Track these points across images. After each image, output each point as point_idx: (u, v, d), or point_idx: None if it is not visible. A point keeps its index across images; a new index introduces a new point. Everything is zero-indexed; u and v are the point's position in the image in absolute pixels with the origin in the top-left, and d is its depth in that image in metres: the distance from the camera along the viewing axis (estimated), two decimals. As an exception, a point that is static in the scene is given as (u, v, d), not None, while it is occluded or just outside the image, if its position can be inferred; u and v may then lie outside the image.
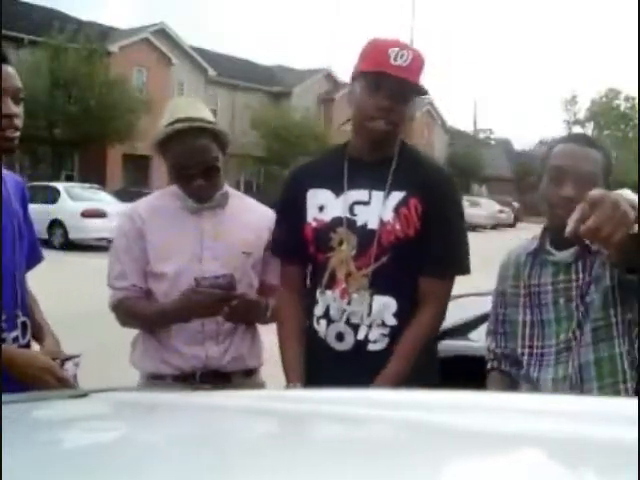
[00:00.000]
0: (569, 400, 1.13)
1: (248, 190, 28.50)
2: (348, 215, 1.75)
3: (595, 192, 1.24)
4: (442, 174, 1.83)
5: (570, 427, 0.77)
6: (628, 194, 1.30)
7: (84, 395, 1.09)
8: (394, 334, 1.72)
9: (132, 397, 1.16)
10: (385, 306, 1.72)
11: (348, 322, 1.74)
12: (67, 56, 22.34)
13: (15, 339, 1.70)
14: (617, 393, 1.59)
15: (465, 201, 31.21)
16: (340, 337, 1.75)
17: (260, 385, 2.05)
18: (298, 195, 1.83)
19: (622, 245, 1.21)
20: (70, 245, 15.06)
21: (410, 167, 1.77)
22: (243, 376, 1.98)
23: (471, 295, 2.90)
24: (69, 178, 24.72)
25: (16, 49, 23.98)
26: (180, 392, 1.40)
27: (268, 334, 2.10)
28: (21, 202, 1.89)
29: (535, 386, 1.69)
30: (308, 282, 1.89)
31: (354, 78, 1.75)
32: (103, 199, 16.34)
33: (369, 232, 1.73)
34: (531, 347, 1.73)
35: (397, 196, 1.74)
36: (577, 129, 47.25)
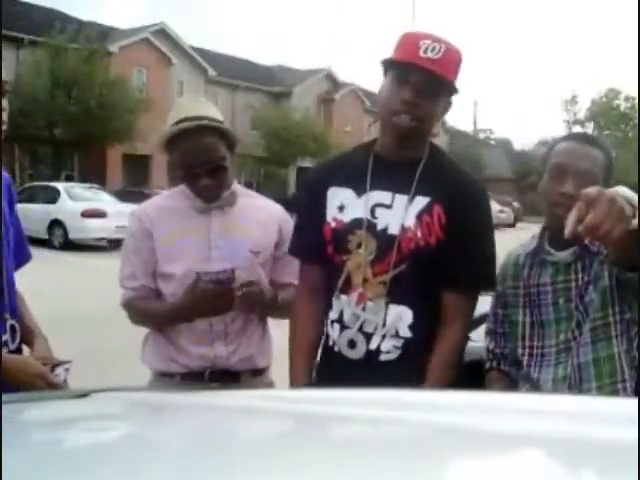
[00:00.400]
0: (569, 400, 1.13)
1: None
2: (369, 217, 1.67)
3: (591, 189, 1.23)
4: (471, 183, 1.72)
5: (570, 427, 0.77)
6: (624, 190, 1.30)
7: (85, 395, 1.09)
8: (407, 346, 1.65)
9: (133, 397, 1.16)
10: (400, 316, 1.64)
11: (361, 330, 1.67)
12: (67, 56, 22.34)
13: (4, 343, 1.67)
14: (616, 392, 1.59)
15: (465, 201, 31.18)
16: (352, 344, 1.69)
17: (269, 385, 2.05)
18: (319, 193, 1.76)
19: (621, 242, 1.21)
20: (70, 245, 15.06)
21: (437, 172, 1.67)
22: (252, 375, 1.98)
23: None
24: (69, 178, 24.70)
25: (16, 49, 24.00)
26: (183, 392, 1.40)
27: (278, 329, 2.10)
28: (8, 199, 1.85)
29: (535, 386, 1.69)
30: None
31: (385, 71, 1.65)
32: (103, 199, 16.34)
33: (389, 237, 1.64)
34: (531, 347, 1.73)
35: (421, 202, 1.64)
36: (577, 129, 47.20)
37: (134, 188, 20.81)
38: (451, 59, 1.60)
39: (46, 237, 15.24)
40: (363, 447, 0.77)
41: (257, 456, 0.72)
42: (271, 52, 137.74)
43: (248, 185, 32.06)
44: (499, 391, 1.73)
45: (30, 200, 15.48)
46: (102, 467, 0.68)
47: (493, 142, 57.51)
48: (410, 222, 1.63)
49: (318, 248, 1.75)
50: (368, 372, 1.64)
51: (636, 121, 45.41)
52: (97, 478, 0.64)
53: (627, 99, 51.70)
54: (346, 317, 1.69)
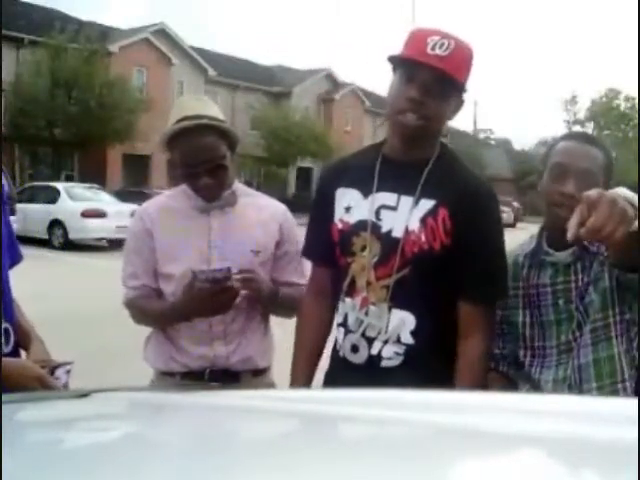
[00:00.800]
0: (569, 400, 1.13)
1: (248, 190, 28.39)
2: (374, 219, 1.64)
3: (591, 192, 1.22)
4: (480, 187, 1.65)
5: (570, 427, 0.77)
6: (625, 192, 1.29)
7: (85, 395, 1.09)
8: (409, 353, 1.62)
9: (134, 397, 1.16)
10: (403, 322, 1.61)
11: (364, 334, 1.65)
12: (67, 56, 22.36)
13: None
14: (616, 392, 1.59)
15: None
16: (355, 349, 1.66)
17: (269, 385, 2.04)
18: (328, 194, 1.74)
19: (623, 243, 1.21)
20: (70, 245, 15.06)
21: (445, 174, 1.62)
22: (252, 376, 1.98)
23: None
24: (69, 178, 24.71)
25: (16, 49, 24.00)
26: (183, 392, 1.40)
27: (280, 328, 2.10)
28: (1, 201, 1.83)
29: (535, 386, 1.69)
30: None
31: (394, 69, 1.61)
32: (103, 199, 16.35)
33: (393, 240, 1.61)
34: (533, 348, 1.72)
35: (426, 204, 1.60)
36: (577, 129, 47.20)
37: (134, 188, 20.81)
38: (461, 56, 1.55)
39: (46, 237, 15.25)
40: (364, 447, 0.77)
41: (257, 456, 0.72)
42: (271, 52, 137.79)
43: (248, 185, 31.83)
44: (499, 391, 1.73)
45: (30, 200, 15.50)
46: (102, 467, 0.68)
47: (493, 142, 57.47)
48: (414, 225, 1.59)
49: (327, 250, 1.73)
50: (370, 378, 1.61)
51: (636, 121, 45.38)
52: (97, 478, 0.64)
53: (627, 99, 51.68)
54: (350, 321, 1.67)
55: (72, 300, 7.96)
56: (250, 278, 1.86)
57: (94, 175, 23.65)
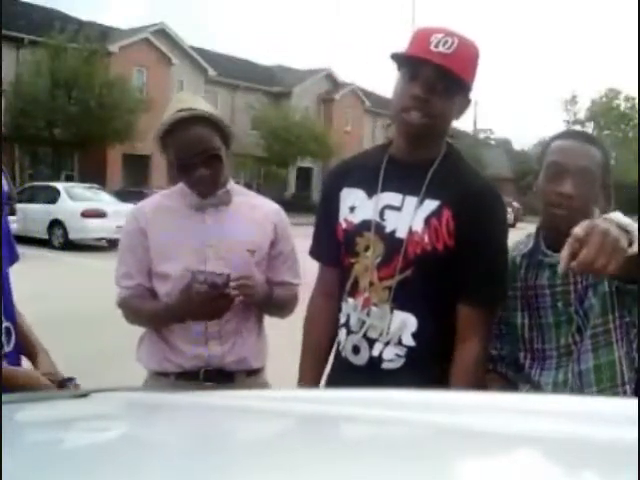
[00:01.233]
0: (569, 400, 1.12)
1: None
2: (377, 219, 1.63)
3: (582, 225, 1.19)
4: (484, 188, 1.62)
5: (570, 427, 0.77)
6: (619, 217, 1.26)
7: (85, 395, 1.09)
8: (411, 355, 1.61)
9: (133, 397, 1.16)
10: (404, 323, 1.59)
11: (365, 335, 1.64)
12: (67, 56, 22.37)
13: None
14: (616, 395, 1.59)
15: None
16: (356, 350, 1.66)
17: (264, 385, 2.05)
18: (334, 194, 1.74)
19: (620, 270, 1.16)
20: (70, 245, 15.06)
21: (450, 175, 1.60)
22: (246, 376, 1.98)
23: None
24: (69, 178, 24.72)
25: (16, 49, 24.01)
26: (182, 392, 1.40)
27: (273, 329, 2.10)
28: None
29: (535, 388, 1.68)
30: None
31: (398, 68, 1.59)
32: (103, 199, 16.34)
33: (396, 241, 1.59)
34: (532, 351, 1.71)
35: (430, 205, 1.58)
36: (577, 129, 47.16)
37: (134, 188, 20.80)
38: (465, 53, 1.54)
39: (46, 237, 15.25)
40: (362, 447, 0.77)
41: (257, 456, 0.72)
42: (271, 52, 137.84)
43: (248, 185, 32.06)
44: (498, 392, 1.72)
45: (30, 200, 15.49)
46: (102, 467, 0.68)
47: (493, 142, 57.47)
48: (418, 226, 1.58)
49: (334, 250, 1.72)
50: (371, 379, 1.60)
51: (636, 121, 45.39)
52: (97, 478, 0.64)
53: (627, 99, 51.70)
54: (352, 321, 1.66)
55: (72, 300, 7.96)
56: (246, 284, 1.86)
57: (94, 175, 23.66)
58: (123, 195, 17.42)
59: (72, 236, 15.21)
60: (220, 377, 1.91)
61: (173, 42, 29.97)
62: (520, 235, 1.83)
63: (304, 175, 35.96)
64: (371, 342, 1.63)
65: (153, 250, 1.93)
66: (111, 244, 14.58)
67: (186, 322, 1.88)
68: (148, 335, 2.02)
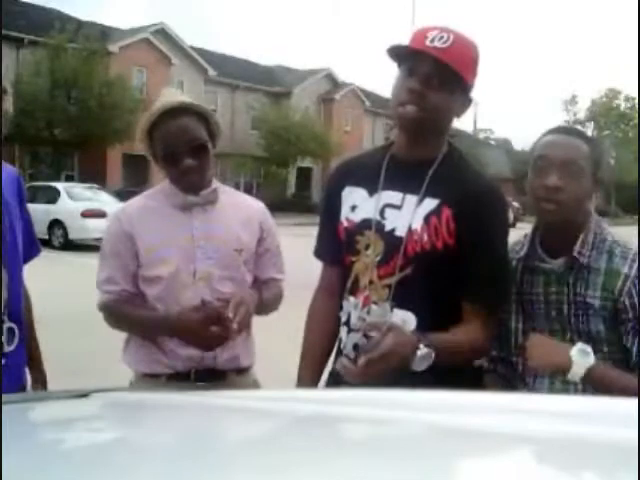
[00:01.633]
0: (569, 400, 1.12)
1: (248, 190, 28.48)
2: (378, 218, 1.63)
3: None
4: (485, 187, 1.62)
5: (570, 427, 0.77)
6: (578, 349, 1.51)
7: (85, 395, 1.09)
8: None
9: (133, 397, 1.16)
10: (404, 322, 1.58)
11: (366, 334, 1.61)
12: (67, 56, 22.37)
13: None
14: None
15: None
16: (357, 348, 1.65)
17: (254, 382, 2.08)
18: (336, 193, 1.75)
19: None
20: (70, 245, 15.06)
21: (450, 174, 1.60)
22: (237, 374, 1.99)
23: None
24: (69, 178, 24.73)
25: (16, 49, 24.01)
26: (182, 393, 1.40)
27: (260, 334, 2.11)
28: (17, 195, 1.82)
29: (531, 391, 1.68)
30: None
31: (398, 65, 1.61)
32: (103, 199, 16.34)
33: (396, 239, 1.59)
34: (525, 355, 1.68)
35: (430, 203, 1.58)
36: (577, 129, 47.10)
37: (134, 188, 20.77)
38: (462, 49, 1.54)
39: (46, 237, 15.23)
40: (361, 447, 0.77)
41: (257, 457, 0.72)
42: (271, 52, 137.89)
43: (248, 185, 32.16)
44: (499, 391, 1.72)
45: (30, 200, 15.17)
46: (102, 467, 0.68)
47: (493, 142, 57.46)
48: (417, 224, 1.58)
49: (336, 250, 1.73)
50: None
51: (636, 121, 45.38)
52: (96, 478, 0.64)
53: (627, 99, 51.73)
54: (353, 320, 1.67)
55: (72, 300, 7.96)
56: (240, 303, 1.84)
57: (94, 175, 23.66)
58: (123, 195, 17.39)
59: (72, 236, 15.21)
60: (211, 377, 1.91)
61: (173, 42, 29.97)
62: (520, 235, 1.82)
63: (304, 175, 35.95)
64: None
65: (142, 255, 1.91)
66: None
67: (171, 337, 1.88)
68: (134, 338, 2.00)
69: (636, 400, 0.83)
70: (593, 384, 1.50)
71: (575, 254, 1.61)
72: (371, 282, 1.63)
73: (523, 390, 1.70)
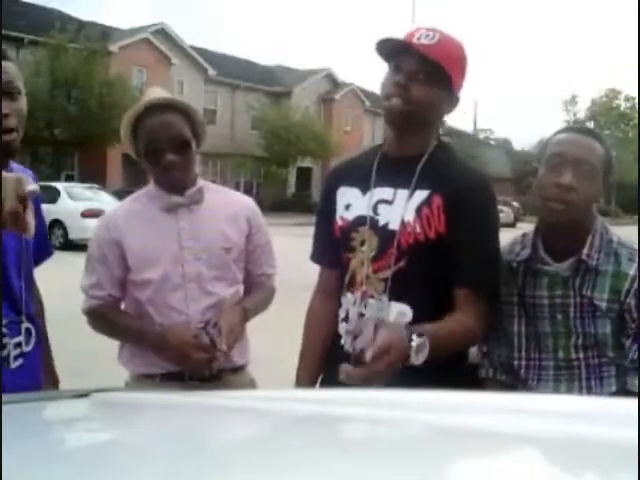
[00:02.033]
0: (569, 400, 1.12)
1: (248, 190, 28.49)
2: (372, 214, 1.67)
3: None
4: (474, 176, 1.66)
5: (570, 427, 0.77)
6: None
7: (85, 395, 1.09)
8: None
9: (132, 397, 1.16)
10: (401, 314, 1.61)
11: (355, 335, 1.62)
12: (67, 56, 22.36)
13: (18, 345, 1.66)
14: None
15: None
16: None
17: (251, 381, 2.08)
18: (330, 194, 1.79)
19: None
20: (70, 245, 15.04)
21: (440, 166, 1.64)
22: (232, 373, 1.99)
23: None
24: (69, 178, 24.70)
25: (16, 49, 23.98)
26: (181, 393, 1.40)
27: (259, 334, 2.11)
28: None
29: None
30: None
31: (387, 63, 1.66)
32: (103, 199, 16.33)
33: (390, 233, 1.63)
34: (528, 359, 1.69)
35: (420, 195, 1.62)
36: (577, 129, 47.01)
37: (134, 188, 20.71)
38: (448, 47, 1.59)
39: (46, 237, 15.23)
40: (360, 448, 0.77)
41: (256, 457, 0.72)
42: (271, 52, 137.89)
43: (248, 185, 32.15)
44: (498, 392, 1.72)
45: (30, 200, 15.45)
46: (102, 467, 0.68)
47: (493, 142, 57.44)
48: (410, 216, 1.61)
49: (333, 251, 1.76)
50: None
51: (636, 121, 45.39)
52: (96, 478, 0.64)
53: (627, 99, 51.76)
54: (350, 315, 1.69)
55: (72, 300, 7.95)
56: (230, 331, 1.86)
57: (94, 175, 23.65)
58: (123, 195, 17.27)
59: (72, 236, 15.20)
60: (206, 376, 1.90)
61: (173, 42, 29.96)
62: (517, 235, 1.80)
63: (304, 175, 35.94)
64: None
65: (130, 259, 1.91)
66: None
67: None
68: None
69: (636, 400, 0.83)
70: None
71: (583, 257, 1.59)
72: (368, 277, 1.65)
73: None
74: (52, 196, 15.73)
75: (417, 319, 1.59)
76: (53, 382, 1.98)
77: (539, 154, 1.71)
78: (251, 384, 2.07)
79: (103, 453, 0.76)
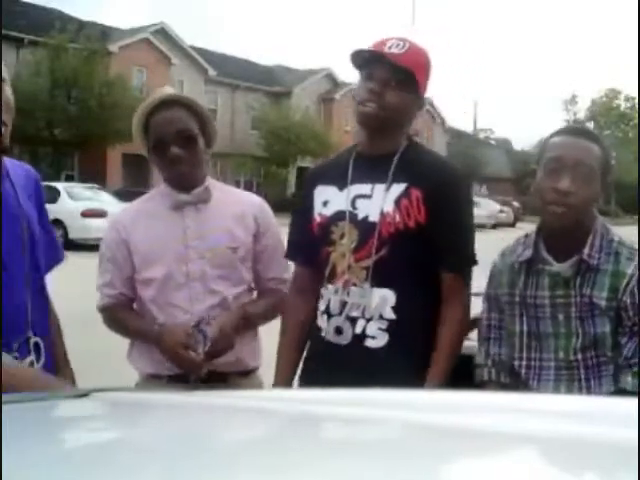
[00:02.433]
0: (569, 400, 1.13)
1: (248, 190, 28.39)
2: (350, 209, 1.75)
3: None
4: (446, 166, 1.81)
5: (570, 427, 0.77)
6: None
7: (85, 395, 1.09)
8: (393, 329, 1.71)
9: (133, 397, 1.16)
10: (384, 299, 1.71)
11: (347, 316, 1.74)
12: (67, 56, 22.35)
13: (30, 364, 1.54)
14: None
15: (465, 201, 31.19)
16: (339, 331, 1.75)
17: (259, 385, 2.05)
18: (308, 194, 1.87)
19: None
20: (70, 245, 15.04)
21: (413, 160, 1.76)
22: (241, 376, 1.97)
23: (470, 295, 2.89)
24: (69, 178, 24.69)
25: (16, 49, 23.99)
26: (182, 392, 1.40)
27: (266, 335, 2.10)
28: (35, 197, 1.72)
29: None
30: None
31: (359, 72, 1.76)
32: (103, 199, 16.34)
33: (370, 224, 1.72)
34: (529, 359, 1.70)
35: (398, 188, 1.73)
36: (577, 129, 46.97)
37: (134, 188, 20.77)
38: (416, 56, 1.73)
39: (46, 237, 15.24)
40: (356, 448, 0.77)
41: (257, 456, 0.72)
42: (271, 52, 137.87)
43: (248, 185, 32.14)
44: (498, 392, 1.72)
45: (30, 200, 15.46)
46: (102, 467, 0.68)
47: (493, 142, 57.43)
48: (389, 208, 1.71)
49: (310, 250, 1.82)
50: (356, 358, 1.70)
51: (636, 121, 45.39)
52: (97, 478, 0.64)
53: (627, 99, 51.78)
54: (332, 305, 1.76)
55: (72, 299, 7.94)
56: (224, 347, 1.86)
57: (94, 175, 23.63)
58: (123, 195, 17.38)
59: (72, 236, 15.20)
60: (213, 379, 1.90)
61: (173, 42, 29.95)
62: (519, 236, 1.81)
63: (304, 175, 35.86)
64: (353, 321, 1.73)
65: (137, 258, 1.93)
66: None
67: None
68: None
69: (636, 400, 0.83)
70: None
71: (585, 257, 1.60)
72: (349, 267, 1.73)
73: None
74: (52, 196, 15.71)
75: (400, 302, 1.71)
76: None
77: (537, 156, 1.71)
78: (260, 388, 2.04)
79: (103, 453, 0.76)
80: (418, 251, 1.71)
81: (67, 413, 1.04)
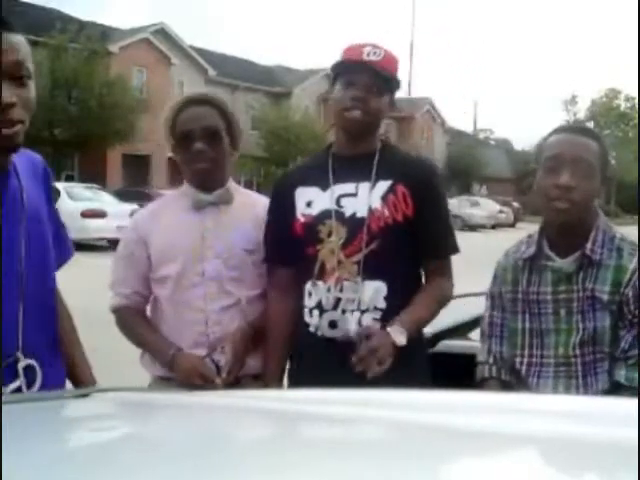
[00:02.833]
0: (569, 400, 1.13)
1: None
2: (336, 207, 1.80)
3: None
4: (425, 163, 1.96)
5: (570, 427, 0.77)
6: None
7: (85, 395, 1.09)
8: (386, 318, 1.73)
9: (134, 397, 1.16)
10: (377, 291, 1.76)
11: (341, 310, 1.76)
12: (67, 56, 22.34)
13: (17, 390, 1.33)
14: None
15: (465, 201, 31.21)
16: (333, 325, 1.77)
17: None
18: (286, 196, 1.88)
19: None
20: (70, 245, 15.04)
21: (393, 159, 1.85)
22: (251, 380, 1.96)
23: (470, 295, 2.90)
24: (69, 178, 24.70)
25: (16, 49, 23.95)
26: (182, 392, 1.40)
27: None
28: (43, 188, 1.57)
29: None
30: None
31: (334, 80, 1.84)
32: (103, 199, 16.32)
33: (358, 220, 1.77)
34: (530, 356, 1.70)
35: (384, 185, 1.80)
36: (577, 129, 46.94)
37: (134, 188, 20.78)
38: (392, 61, 1.82)
39: (46, 237, 15.21)
40: (355, 448, 0.77)
41: (256, 456, 0.72)
42: (271, 52, 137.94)
43: (248, 185, 32.15)
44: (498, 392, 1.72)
45: (30, 200, 15.45)
46: (102, 467, 0.68)
47: (493, 142, 57.47)
48: (377, 203, 1.77)
49: (288, 250, 1.85)
50: (352, 350, 1.68)
51: (636, 121, 45.39)
52: (98, 478, 0.64)
53: (627, 99, 51.76)
54: (324, 301, 1.78)
55: (72, 299, 7.94)
56: (235, 361, 1.86)
57: (94, 175, 23.62)
58: (123, 195, 17.40)
59: (72, 236, 14.81)
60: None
61: (173, 42, 29.94)
62: (520, 235, 1.83)
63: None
64: (349, 314, 1.76)
65: (154, 256, 1.93)
66: (112, 244, 14.57)
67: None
68: None
69: (636, 400, 0.83)
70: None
71: (587, 251, 1.63)
72: (340, 262, 1.77)
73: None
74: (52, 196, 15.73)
75: (391, 292, 1.77)
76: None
77: (537, 155, 1.73)
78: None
79: (103, 453, 0.76)
80: (406, 243, 1.79)
81: (68, 413, 1.04)
